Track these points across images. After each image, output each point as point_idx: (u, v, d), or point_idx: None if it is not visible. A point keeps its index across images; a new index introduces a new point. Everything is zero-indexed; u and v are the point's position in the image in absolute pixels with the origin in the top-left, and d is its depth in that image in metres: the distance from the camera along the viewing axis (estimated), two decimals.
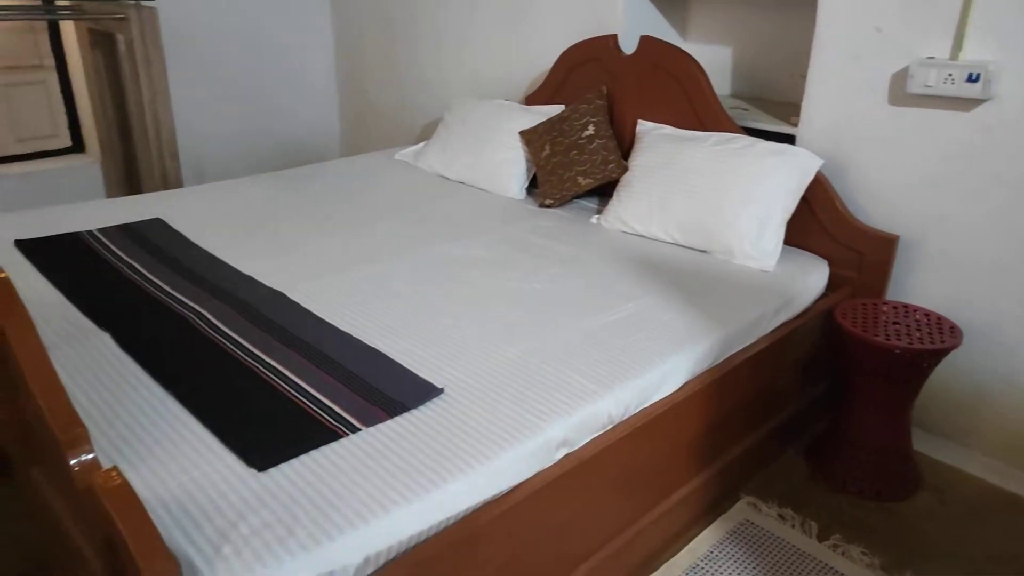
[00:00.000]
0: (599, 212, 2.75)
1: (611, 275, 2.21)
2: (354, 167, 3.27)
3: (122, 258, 2.21)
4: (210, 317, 1.87)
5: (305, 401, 1.54)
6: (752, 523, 2.02)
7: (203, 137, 3.89)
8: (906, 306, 2.20)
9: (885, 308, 2.20)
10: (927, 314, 2.15)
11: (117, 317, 1.85)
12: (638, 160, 2.63)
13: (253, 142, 4.15)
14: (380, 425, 1.47)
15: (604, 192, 2.84)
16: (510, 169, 2.97)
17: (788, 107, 2.72)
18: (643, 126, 2.74)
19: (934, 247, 2.23)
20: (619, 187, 2.66)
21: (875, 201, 2.31)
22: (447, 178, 3.15)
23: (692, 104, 2.63)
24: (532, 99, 3.19)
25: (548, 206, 2.82)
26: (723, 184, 2.37)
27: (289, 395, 1.56)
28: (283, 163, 4.25)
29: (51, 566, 1.84)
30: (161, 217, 2.56)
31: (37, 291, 1.98)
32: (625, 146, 2.82)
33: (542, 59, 3.23)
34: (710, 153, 2.44)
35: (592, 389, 1.62)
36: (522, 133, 2.98)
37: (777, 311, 2.09)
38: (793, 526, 2.02)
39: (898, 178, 2.26)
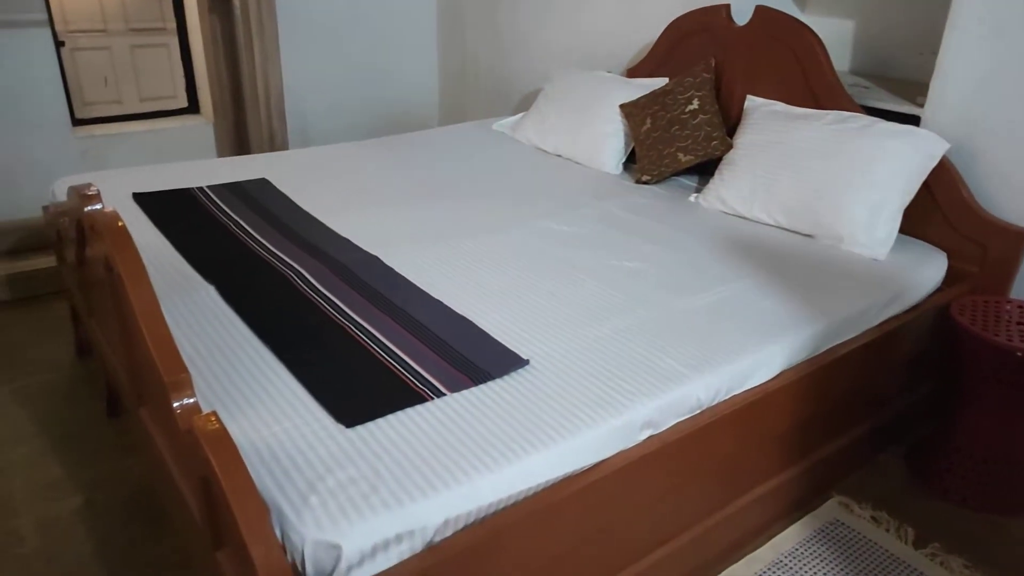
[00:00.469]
0: (698, 191, 2.67)
1: (707, 256, 2.14)
2: (452, 136, 3.29)
3: (229, 215, 2.30)
4: (308, 276, 1.92)
5: (394, 363, 1.57)
6: (842, 523, 1.93)
7: (309, 101, 3.99)
8: None
9: (1008, 307, 2.03)
10: None
11: (222, 271, 1.93)
12: (744, 137, 2.51)
13: (355, 107, 4.23)
14: (465, 392, 1.48)
15: (705, 170, 2.74)
16: (608, 143, 2.91)
17: (913, 86, 2.53)
18: (752, 102, 2.62)
19: None
20: (722, 165, 2.56)
21: (1006, 191, 2.12)
22: (544, 150, 3.12)
23: (808, 80, 2.49)
24: (635, 71, 3.10)
25: (645, 183, 2.75)
26: (837, 166, 2.24)
27: (379, 356, 1.59)
28: (383, 128, 4.32)
29: (157, 497, 1.97)
30: (267, 178, 2.65)
31: (151, 242, 2.09)
32: (731, 123, 2.70)
33: (648, 30, 3.13)
34: (825, 132, 2.31)
35: (681, 372, 1.57)
36: (623, 106, 2.90)
37: (886, 304, 1.96)
38: (888, 530, 1.91)
39: None
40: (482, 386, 1.50)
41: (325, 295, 1.84)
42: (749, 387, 1.65)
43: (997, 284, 2.12)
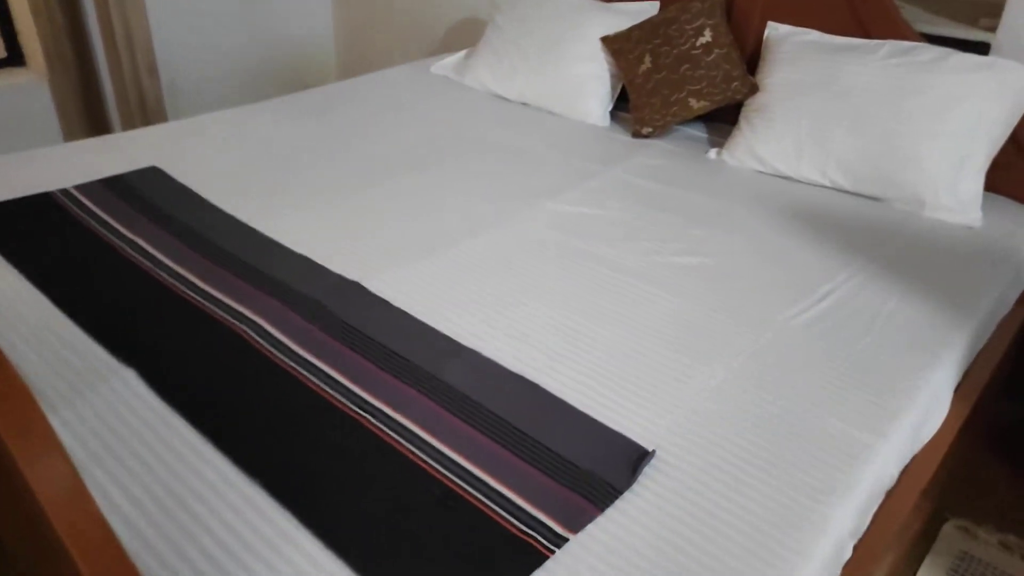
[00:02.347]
0: (713, 143, 2.19)
1: (776, 239, 1.69)
2: (383, 85, 2.60)
3: (121, 233, 1.59)
4: (270, 328, 1.30)
5: (456, 479, 1.02)
6: (971, 556, 1.61)
7: (178, 50, 3.13)
8: None
9: None
10: None
11: (139, 339, 1.27)
12: (777, 76, 2.04)
13: (234, 52, 3.39)
14: (591, 527, 0.96)
15: (713, 115, 2.26)
16: (591, 87, 2.36)
17: (972, 6, 2.14)
18: (777, 30, 2.14)
19: None
20: (748, 112, 2.09)
21: None
22: (504, 98, 2.52)
23: (851, 1, 2.03)
24: None
25: (646, 136, 2.24)
26: (907, 111, 1.82)
27: (428, 467, 1.04)
28: (273, 72, 3.52)
29: None
30: (157, 165, 1.91)
31: (5, 296, 1.37)
32: (746, 56, 2.22)
33: None
34: (884, 69, 1.88)
35: (860, 438, 1.13)
36: (606, 40, 2.35)
37: (1011, 284, 1.61)
38: (1022, 557, 1.61)
39: None
40: (611, 510, 0.99)
41: (306, 360, 1.24)
42: (926, 436, 1.25)
43: None
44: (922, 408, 1.22)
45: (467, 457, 1.07)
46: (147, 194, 1.74)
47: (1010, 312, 1.58)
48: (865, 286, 1.51)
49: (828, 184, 1.93)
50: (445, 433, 1.11)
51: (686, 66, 2.15)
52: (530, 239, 1.65)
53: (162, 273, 1.45)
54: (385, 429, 1.11)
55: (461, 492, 1.01)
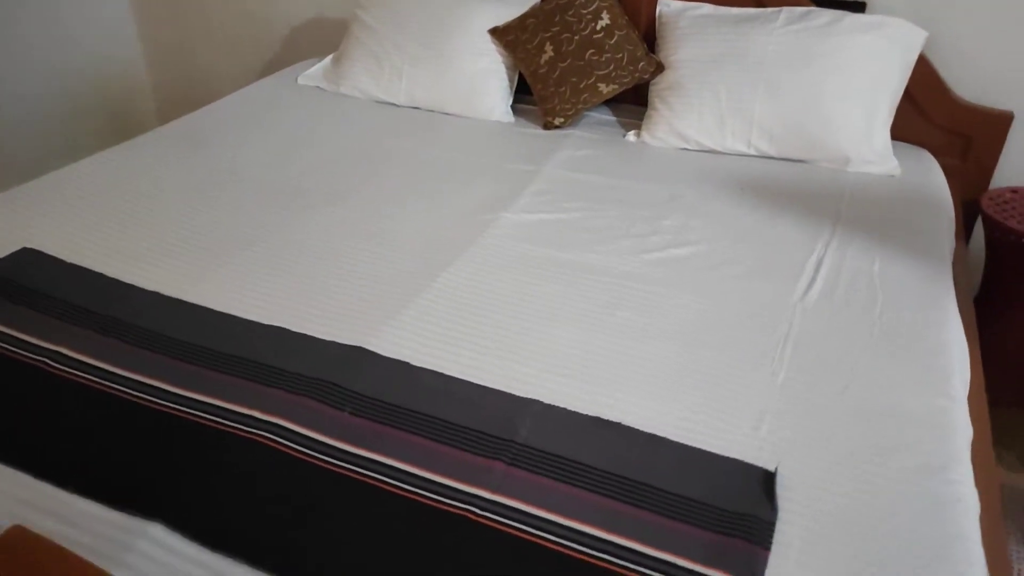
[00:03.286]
0: (630, 127, 2.17)
1: (741, 217, 1.70)
2: (249, 106, 2.28)
3: (35, 345, 1.24)
4: (293, 427, 1.09)
5: (591, 552, 0.93)
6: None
7: None
8: None
9: None
10: None
11: (136, 480, 1.01)
12: (683, 52, 2.05)
13: (32, 95, 2.84)
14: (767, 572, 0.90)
15: (615, 97, 2.23)
16: (489, 83, 2.24)
17: None
18: (669, 6, 2.15)
19: None
20: (659, 91, 2.09)
21: (975, 75, 1.99)
22: (392, 103, 2.32)
23: None
24: None
25: (558, 126, 2.18)
26: (816, 74, 1.91)
27: (554, 546, 0.92)
28: (83, 120, 3.01)
29: None
30: (25, 245, 1.52)
31: None
32: (642, 35, 2.20)
33: None
34: (787, 35, 1.95)
35: (937, 404, 1.16)
36: (496, 32, 2.23)
37: (949, 222, 1.74)
38: None
39: (1003, 46, 1.96)
40: (760, 546, 0.93)
41: (359, 456, 1.05)
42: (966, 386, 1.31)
43: (980, 176, 2.03)
44: (959, 360, 1.29)
45: (592, 523, 0.96)
46: (39, 286, 1.38)
47: (955, 248, 1.72)
48: (843, 251, 1.57)
49: (754, 152, 1.99)
50: (552, 500, 0.99)
51: (591, 51, 2.10)
52: (508, 258, 1.53)
53: (127, 389, 1.15)
54: (484, 513, 0.97)
55: (602, 564, 0.90)
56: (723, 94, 1.97)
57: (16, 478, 1.02)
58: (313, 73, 2.45)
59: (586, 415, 1.13)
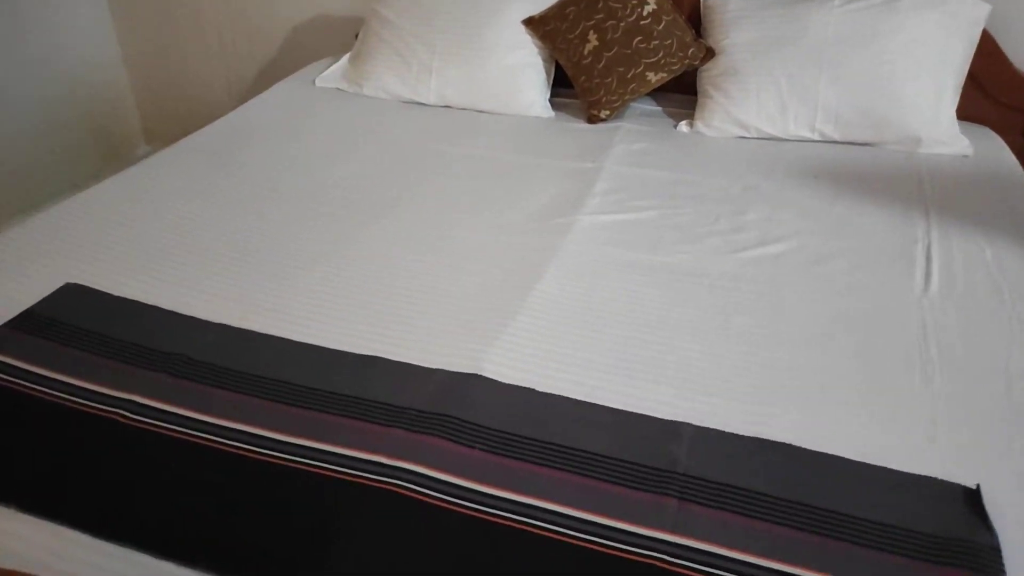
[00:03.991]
0: (678, 117, 2.07)
1: (824, 208, 1.62)
2: (271, 113, 2.11)
3: (102, 394, 1.08)
4: (422, 470, 0.96)
5: None
6: None
7: None
8: None
9: None
10: None
11: (259, 543, 0.87)
12: (735, 37, 1.96)
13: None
14: None
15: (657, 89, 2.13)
16: (528, 77, 2.12)
17: None
18: None
19: None
20: (712, 78, 1.99)
21: None
22: (422, 103, 2.18)
23: None
24: None
25: (603, 119, 2.06)
26: (883, 53, 1.83)
27: None
28: (64, 138, 2.81)
29: None
30: (61, 278, 1.36)
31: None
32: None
33: None
34: (846, 15, 1.86)
35: None
36: (532, 23, 2.11)
37: None
38: None
39: None
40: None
41: (528, 506, 0.92)
42: None
43: None
44: None
45: (792, 561, 0.86)
46: (92, 326, 1.22)
47: None
48: (947, 238, 1.49)
49: (818, 138, 1.90)
50: (738, 538, 0.88)
51: (638, 38, 1.99)
52: (599, 264, 1.42)
53: (225, 440, 1.01)
54: (675, 560, 0.85)
55: None
56: (783, 78, 1.88)
57: (101, 548, 0.88)
58: (331, 75, 2.30)
59: (746, 436, 1.02)
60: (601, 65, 2.02)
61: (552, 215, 1.59)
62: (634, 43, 1.99)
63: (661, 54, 2.00)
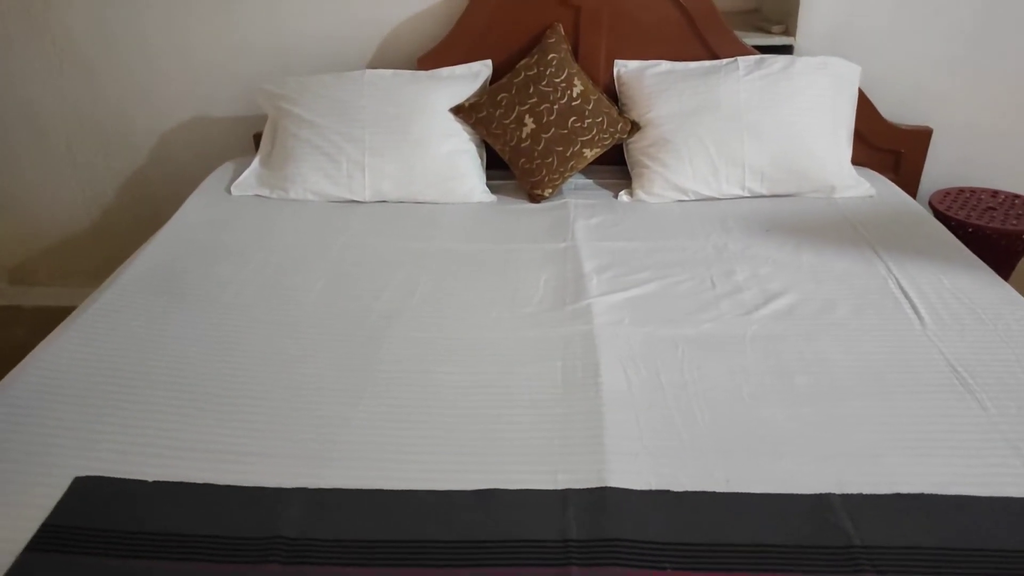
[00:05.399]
0: (612, 188, 2.16)
1: (792, 259, 1.74)
2: (203, 231, 1.88)
3: None
4: None
5: None
6: None
7: None
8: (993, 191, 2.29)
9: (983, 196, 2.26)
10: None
11: None
12: (659, 110, 2.09)
13: None
14: None
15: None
16: (464, 164, 2.10)
17: (749, 16, 2.45)
18: (626, 67, 2.19)
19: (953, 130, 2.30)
20: (644, 149, 2.11)
21: (891, 98, 2.28)
22: (357, 201, 2.08)
23: (696, 27, 2.15)
24: (431, 60, 2.24)
25: (546, 198, 2.10)
26: (791, 114, 2.05)
27: None
28: None
29: None
30: (76, 475, 1.10)
31: None
32: None
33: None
34: (752, 83, 2.07)
35: None
36: (462, 110, 2.11)
37: (949, 234, 1.95)
38: None
39: (908, 67, 2.26)
40: None
41: None
42: None
43: (910, 185, 2.31)
44: None
45: None
46: (138, 525, 1.01)
47: None
48: (907, 273, 1.66)
49: (747, 194, 2.08)
50: None
51: (572, 118, 2.06)
52: (644, 347, 1.42)
53: None
54: None
55: None
56: (711, 143, 2.04)
57: None
58: (245, 182, 2.12)
59: (887, 495, 1.07)
60: (540, 147, 2.07)
61: (563, 301, 1.59)
62: (569, 123, 2.06)
63: (595, 131, 2.09)
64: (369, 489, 1.09)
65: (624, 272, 1.70)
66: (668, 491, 1.09)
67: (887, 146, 2.28)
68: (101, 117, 2.49)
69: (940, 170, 2.36)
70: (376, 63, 2.35)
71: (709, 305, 1.57)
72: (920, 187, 2.34)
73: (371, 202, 2.08)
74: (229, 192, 2.10)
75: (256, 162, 2.18)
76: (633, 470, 1.13)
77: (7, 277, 2.83)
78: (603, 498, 1.07)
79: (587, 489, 1.09)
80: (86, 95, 2.45)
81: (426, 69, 2.21)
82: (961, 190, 2.32)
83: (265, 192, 2.10)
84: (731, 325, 1.50)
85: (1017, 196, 2.27)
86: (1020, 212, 2.17)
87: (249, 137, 2.44)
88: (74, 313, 1.52)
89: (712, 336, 1.46)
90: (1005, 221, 2.12)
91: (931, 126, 2.27)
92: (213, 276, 1.68)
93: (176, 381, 1.32)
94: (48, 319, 2.74)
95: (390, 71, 2.16)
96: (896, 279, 1.65)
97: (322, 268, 1.73)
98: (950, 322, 1.49)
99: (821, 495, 1.08)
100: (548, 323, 1.52)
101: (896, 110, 2.29)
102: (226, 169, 2.23)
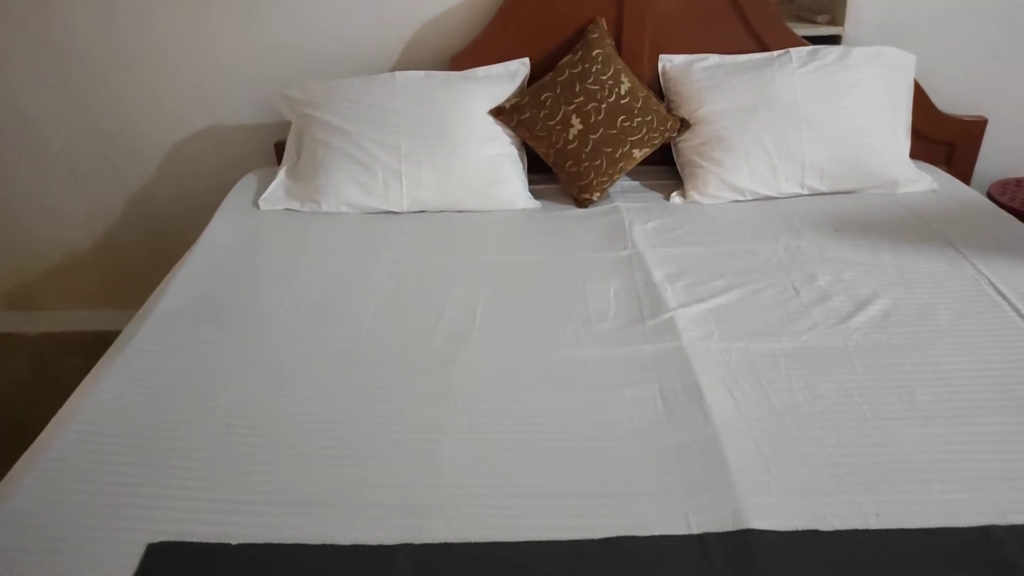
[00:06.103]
0: (661, 189, 2.05)
1: (869, 259, 1.65)
2: (237, 253, 1.75)
3: None
4: None
5: None
6: None
7: None
8: None
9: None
10: None
11: None
12: (710, 106, 1.98)
13: None
14: None
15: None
16: (507, 170, 1.98)
17: (782, 6, 2.34)
18: (672, 62, 2.07)
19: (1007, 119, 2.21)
20: (696, 148, 1.99)
21: (947, 88, 2.18)
22: (394, 212, 1.95)
23: (746, 19, 2.04)
24: (464, 59, 2.11)
25: (595, 201, 1.98)
26: (850, 107, 1.95)
27: None
28: None
29: None
30: (149, 541, 0.97)
31: None
32: None
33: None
34: (807, 76, 1.97)
35: None
36: (502, 112, 1.98)
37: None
38: None
39: (960, 55, 2.18)
40: None
41: None
42: None
43: (963, 177, 2.22)
44: None
45: None
46: None
47: None
48: (995, 271, 1.57)
49: (807, 192, 1.97)
50: None
51: (622, 117, 1.94)
52: (742, 364, 1.31)
53: None
54: None
55: None
56: (768, 140, 1.94)
57: None
58: (273, 196, 1.98)
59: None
60: (588, 148, 1.95)
61: (641, 315, 1.47)
62: (618, 122, 1.95)
63: (644, 130, 1.97)
64: (482, 542, 0.97)
65: (698, 280, 1.59)
66: (817, 531, 0.98)
67: (942, 138, 2.18)
68: (105, 124, 2.33)
69: (992, 160, 2.28)
70: (403, 64, 2.21)
71: (799, 314, 1.46)
72: (972, 178, 2.26)
73: (409, 212, 1.95)
74: (257, 206, 1.95)
75: (282, 173, 2.04)
76: (771, 507, 1.01)
77: (5, 302, 2.65)
78: (747, 542, 0.96)
79: (727, 533, 0.98)
80: (88, 100, 2.28)
81: (460, 69, 2.08)
82: (1019, 181, 2.24)
83: (295, 205, 1.96)
84: (829, 336, 1.39)
85: None
86: None
87: (268, 146, 2.29)
88: (111, 350, 1.37)
89: (812, 349, 1.35)
90: None
91: (984, 115, 2.18)
92: (256, 301, 1.54)
93: (240, 423, 1.18)
94: (53, 347, 2.61)
95: (422, 72, 2.03)
96: (988, 279, 1.55)
97: (371, 288, 1.60)
98: None
99: (984, 527, 0.97)
100: (632, 340, 1.40)
101: (948, 99, 2.20)
102: (249, 181, 2.08)
